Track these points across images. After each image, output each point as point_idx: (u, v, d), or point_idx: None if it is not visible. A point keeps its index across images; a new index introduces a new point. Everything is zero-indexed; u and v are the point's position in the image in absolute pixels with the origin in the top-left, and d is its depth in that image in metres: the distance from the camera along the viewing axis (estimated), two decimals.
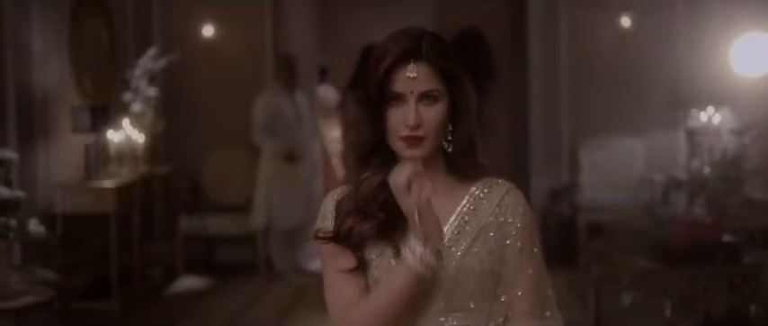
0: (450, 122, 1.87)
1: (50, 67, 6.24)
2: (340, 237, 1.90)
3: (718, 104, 7.07)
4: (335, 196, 1.96)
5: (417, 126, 1.83)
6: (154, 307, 6.66)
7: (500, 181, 1.94)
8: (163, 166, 7.45)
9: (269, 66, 7.99)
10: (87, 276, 6.44)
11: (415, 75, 1.85)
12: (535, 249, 1.92)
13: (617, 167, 7.61)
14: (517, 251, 1.89)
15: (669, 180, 7.11)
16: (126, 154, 6.83)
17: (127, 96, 6.99)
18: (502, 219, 1.90)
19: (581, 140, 7.76)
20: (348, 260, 1.89)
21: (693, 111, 7.22)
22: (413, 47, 1.86)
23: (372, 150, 1.89)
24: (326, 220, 1.95)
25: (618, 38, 7.73)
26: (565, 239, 7.29)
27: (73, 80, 6.60)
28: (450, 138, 1.88)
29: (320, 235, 1.93)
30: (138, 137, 6.93)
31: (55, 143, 6.27)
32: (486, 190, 1.92)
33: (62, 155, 6.35)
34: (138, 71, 6.99)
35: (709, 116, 7.09)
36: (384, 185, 1.85)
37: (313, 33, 8.93)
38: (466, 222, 1.89)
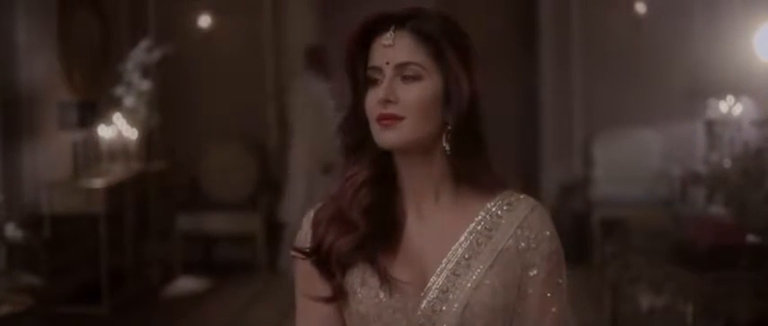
0: (451, 120, 1.56)
1: (37, 62, 6.03)
2: (320, 256, 1.60)
3: (738, 93, 6.83)
4: (316, 208, 1.67)
5: (388, 101, 1.53)
6: (148, 310, 6.50)
7: (522, 197, 1.62)
8: (158, 162, 7.25)
9: (269, 57, 7.76)
10: (77, 279, 6.23)
11: (391, 43, 1.56)
12: (560, 281, 1.61)
13: (632, 161, 7.39)
14: (540, 284, 1.58)
15: (687, 174, 6.90)
16: (118, 151, 6.62)
17: (119, 90, 6.75)
18: (523, 244, 1.58)
19: (594, 132, 7.54)
20: (325, 288, 1.60)
21: (712, 100, 6.99)
22: (397, 14, 1.57)
23: (360, 145, 1.61)
24: (303, 235, 1.66)
25: (632, 24, 7.46)
26: (578, 236, 7.10)
27: (62, 74, 6.38)
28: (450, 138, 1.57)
29: (296, 250, 1.64)
30: (131, 133, 6.70)
31: (42, 141, 6.07)
32: (505, 207, 1.60)
33: (49, 153, 6.15)
34: (130, 64, 6.77)
35: (730, 106, 6.85)
36: (369, 185, 1.58)
37: (315, 24, 8.69)
38: (479, 244, 1.57)
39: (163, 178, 7.14)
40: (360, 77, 1.59)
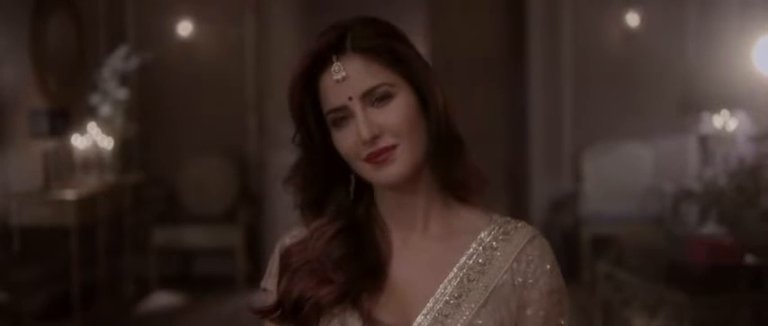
0: (434, 123, 1.39)
1: (8, 67, 5.80)
2: (285, 310, 1.40)
3: (733, 107, 6.69)
4: (286, 243, 1.46)
5: (374, 136, 1.34)
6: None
7: (520, 224, 1.43)
8: (135, 174, 7.04)
9: (250, 66, 7.54)
10: (47, 294, 6.01)
11: (344, 74, 1.35)
12: (562, 321, 1.42)
13: (623, 176, 7.23)
14: (539, 324, 1.40)
15: (680, 191, 6.76)
16: (92, 161, 6.39)
17: (94, 99, 6.53)
18: (520, 279, 1.40)
19: (584, 146, 7.38)
20: None
21: (706, 115, 6.85)
22: (331, 43, 1.36)
23: (320, 200, 1.43)
24: (275, 265, 1.45)
25: (624, 36, 7.35)
26: (567, 253, 6.92)
27: (35, 81, 6.15)
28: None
29: (256, 309, 1.43)
30: (106, 143, 6.48)
31: (11, 150, 5.84)
32: (500, 236, 1.42)
33: (19, 162, 5.92)
34: (106, 72, 6.56)
35: (724, 121, 6.70)
36: (339, 238, 1.39)
37: (298, 32, 8.52)
38: (471, 281, 1.39)
39: (139, 190, 6.93)
40: (311, 126, 1.40)
